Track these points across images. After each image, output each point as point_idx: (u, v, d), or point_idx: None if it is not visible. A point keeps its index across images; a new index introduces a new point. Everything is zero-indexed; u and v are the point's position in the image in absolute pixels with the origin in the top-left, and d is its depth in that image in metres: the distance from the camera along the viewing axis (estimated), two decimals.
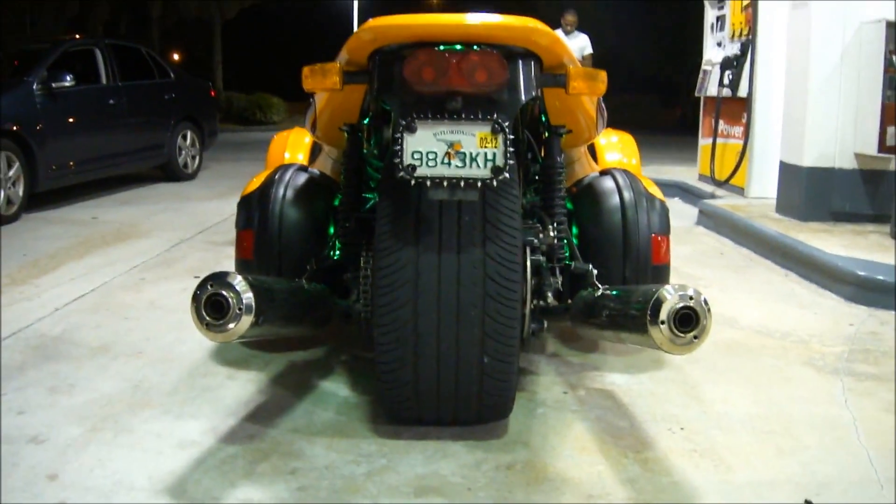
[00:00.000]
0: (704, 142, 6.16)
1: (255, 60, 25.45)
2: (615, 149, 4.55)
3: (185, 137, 7.45)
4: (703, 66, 5.99)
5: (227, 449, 1.88)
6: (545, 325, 2.13)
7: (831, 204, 4.33)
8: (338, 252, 2.22)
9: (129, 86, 6.59)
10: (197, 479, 1.74)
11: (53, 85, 5.53)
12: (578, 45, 7.76)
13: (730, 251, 4.31)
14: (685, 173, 6.68)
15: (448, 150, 1.61)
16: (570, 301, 2.15)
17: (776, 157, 4.80)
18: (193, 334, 2.67)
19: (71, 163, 5.76)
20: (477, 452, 1.86)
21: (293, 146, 4.40)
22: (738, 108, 5.49)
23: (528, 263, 1.97)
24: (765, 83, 5.18)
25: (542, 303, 2.07)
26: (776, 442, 1.92)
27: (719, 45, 5.80)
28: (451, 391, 1.80)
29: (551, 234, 2.10)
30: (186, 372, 2.38)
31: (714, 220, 4.91)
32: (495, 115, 1.62)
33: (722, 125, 5.77)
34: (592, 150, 4.57)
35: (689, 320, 1.54)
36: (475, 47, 1.63)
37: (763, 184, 5.25)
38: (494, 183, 1.62)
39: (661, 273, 2.35)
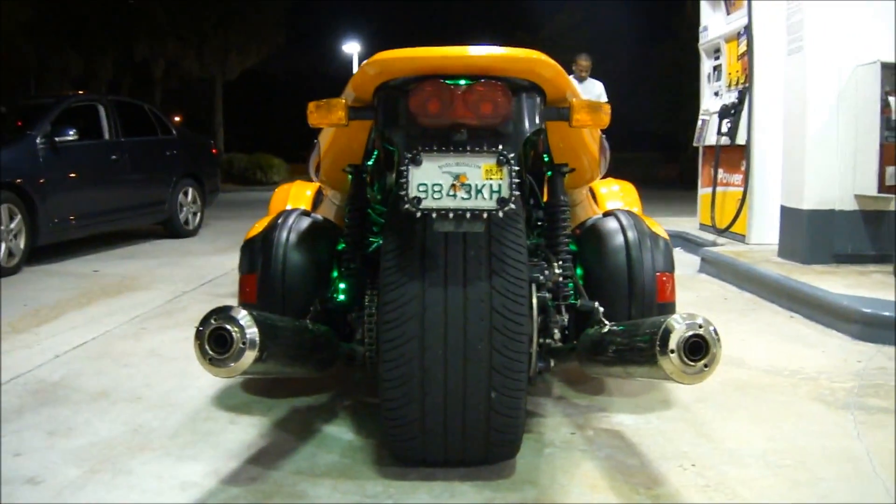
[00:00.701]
0: (704, 191, 6.20)
1: (256, 121, 25.88)
2: (617, 197, 4.58)
3: (186, 194, 7.51)
4: (701, 116, 6.08)
5: (229, 490, 1.84)
6: (552, 364, 2.10)
7: (833, 246, 4.33)
8: (342, 294, 2.21)
9: (132, 142, 6.67)
10: None
11: (56, 139, 5.60)
12: (594, 92, 7.19)
13: (733, 296, 4.29)
14: (686, 224, 6.70)
15: (453, 181, 1.62)
16: (575, 341, 2.13)
17: (776, 204, 4.83)
18: (195, 381, 2.67)
19: (73, 217, 5.79)
20: (485, 492, 1.81)
21: (295, 197, 4.42)
22: (736, 155, 5.54)
23: (535, 301, 1.96)
24: (763, 130, 5.24)
25: (548, 341, 2.05)
26: (790, 475, 1.87)
27: (716, 94, 5.90)
28: (459, 427, 1.76)
29: (556, 271, 2.09)
30: (188, 417, 2.33)
31: (716, 267, 4.91)
32: (500, 147, 1.64)
33: (721, 173, 5.82)
34: (594, 198, 4.61)
35: (699, 349, 1.52)
36: (480, 80, 1.65)
37: (764, 230, 5.27)
38: (500, 214, 1.62)
39: (667, 311, 2.33)
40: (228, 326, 1.55)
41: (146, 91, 18.99)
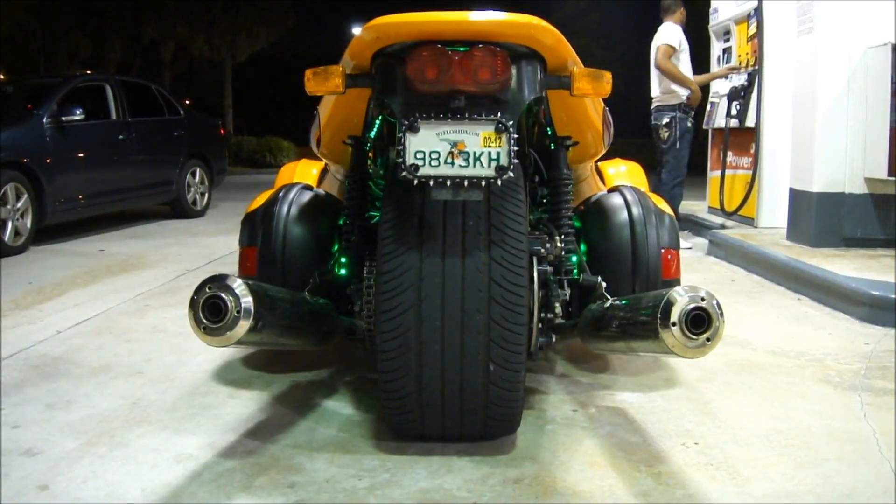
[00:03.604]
0: (713, 174, 6.15)
1: (265, 104, 25.84)
2: (624, 177, 4.53)
3: (193, 174, 7.50)
4: (711, 99, 6.00)
5: (224, 463, 1.82)
6: (553, 339, 2.08)
7: (842, 229, 4.28)
8: (341, 267, 2.19)
9: (139, 122, 6.65)
10: (192, 491, 1.68)
11: (63, 119, 5.58)
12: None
13: (741, 278, 4.25)
14: (694, 207, 6.65)
15: (451, 149, 1.59)
16: (578, 317, 2.10)
17: (785, 187, 4.77)
18: (196, 356, 2.66)
19: (79, 196, 5.79)
20: (483, 467, 1.80)
21: (301, 174, 4.40)
22: (746, 138, 5.48)
23: (536, 274, 1.93)
24: (772, 112, 5.17)
25: (549, 316, 2.02)
26: (795, 455, 1.84)
27: (726, 77, 5.82)
28: (457, 401, 1.74)
29: (559, 244, 2.06)
30: (187, 391, 2.33)
31: (724, 250, 4.86)
32: (499, 114, 1.60)
33: (730, 156, 5.75)
34: (601, 178, 4.57)
35: (701, 322, 1.49)
36: (479, 45, 1.61)
37: (773, 213, 5.21)
38: (499, 182, 1.59)
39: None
40: (223, 295, 1.53)
41: (155, 73, 18.97)
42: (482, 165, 1.59)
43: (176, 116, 7.33)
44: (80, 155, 5.83)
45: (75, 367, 2.54)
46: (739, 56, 5.59)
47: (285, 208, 2.38)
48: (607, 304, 1.93)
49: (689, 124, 5.32)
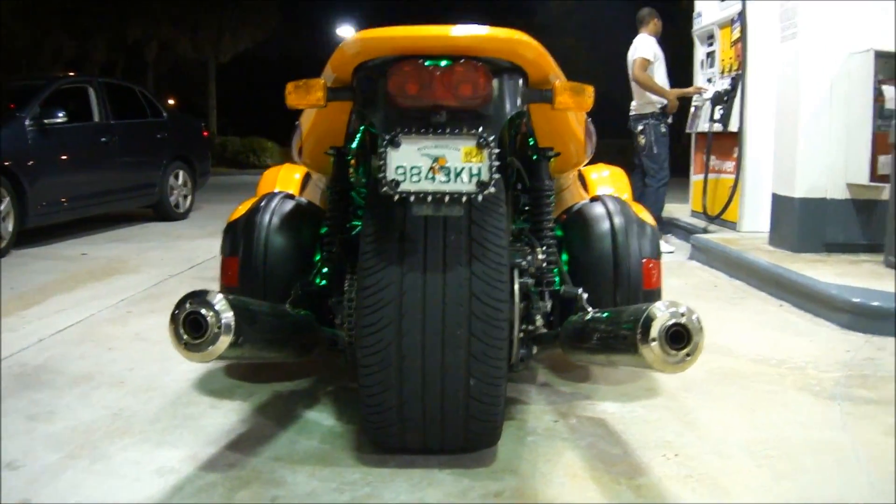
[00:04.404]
0: (696, 178, 6.18)
1: (249, 104, 25.71)
2: (606, 183, 4.55)
3: (177, 177, 7.46)
4: (694, 103, 6.04)
5: (206, 476, 1.82)
6: (534, 350, 2.09)
7: (824, 234, 4.32)
8: (323, 279, 2.19)
9: (122, 124, 6.61)
10: None
11: (46, 121, 5.54)
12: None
13: (723, 284, 4.28)
14: (677, 210, 6.69)
15: (432, 164, 1.59)
16: (559, 328, 2.11)
17: (768, 191, 4.81)
18: (178, 365, 2.64)
19: (62, 199, 5.74)
20: (464, 480, 1.80)
21: (283, 180, 4.39)
22: (729, 143, 5.51)
23: (517, 287, 1.93)
24: (756, 117, 5.21)
25: (530, 328, 2.03)
26: (774, 466, 1.86)
27: (710, 80, 5.85)
28: (437, 415, 1.74)
29: (540, 256, 2.07)
30: (169, 401, 2.31)
31: (707, 254, 4.90)
32: (480, 130, 1.60)
33: (713, 160, 5.79)
34: (584, 184, 4.59)
35: (680, 338, 1.50)
36: (461, 60, 1.61)
37: (755, 218, 5.25)
38: (479, 198, 1.59)
39: (652, 298, 2.31)
40: (203, 311, 1.52)
41: (139, 73, 18.83)
42: (463, 181, 1.59)
43: (159, 118, 7.29)
44: (63, 157, 5.78)
45: (57, 377, 2.52)
46: (723, 60, 5.63)
47: (267, 218, 2.37)
48: (588, 317, 1.93)
49: (664, 129, 5.51)
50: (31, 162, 5.36)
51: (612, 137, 8.99)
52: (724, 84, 5.53)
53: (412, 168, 1.59)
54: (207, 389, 2.41)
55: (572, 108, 1.78)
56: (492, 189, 1.58)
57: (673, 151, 5.60)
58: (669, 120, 5.57)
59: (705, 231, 5.58)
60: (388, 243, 1.68)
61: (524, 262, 1.97)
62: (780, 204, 4.52)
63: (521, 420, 2.18)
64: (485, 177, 1.59)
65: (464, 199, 1.59)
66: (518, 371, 2.15)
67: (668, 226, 6.29)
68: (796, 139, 4.33)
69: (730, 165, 5.54)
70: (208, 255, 5.29)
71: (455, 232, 1.67)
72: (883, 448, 1.95)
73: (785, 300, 3.71)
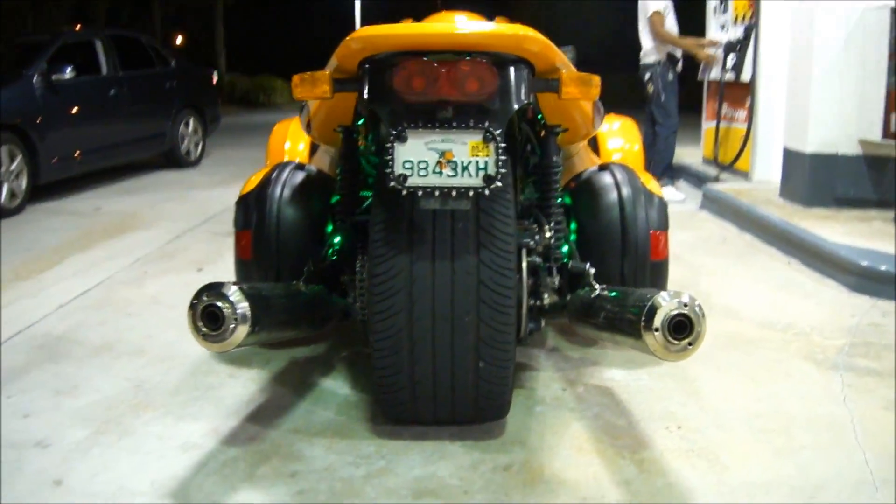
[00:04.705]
0: (708, 125, 6.12)
1: (257, 43, 25.33)
2: (617, 135, 4.53)
3: (187, 125, 7.46)
4: (706, 48, 5.92)
5: (228, 451, 1.90)
6: (543, 323, 2.14)
7: (835, 190, 4.29)
8: (335, 254, 2.23)
9: (130, 76, 6.59)
10: (199, 482, 1.76)
11: (53, 77, 5.54)
12: None
13: (733, 238, 4.30)
14: (689, 156, 6.64)
15: (439, 158, 1.61)
16: (568, 297, 2.15)
17: (780, 141, 4.76)
18: None
19: (73, 154, 5.78)
20: (474, 453, 1.88)
21: (294, 136, 4.39)
22: (741, 91, 5.44)
23: (525, 265, 1.97)
24: (768, 67, 5.12)
25: (538, 303, 2.07)
26: (773, 442, 1.92)
27: (722, 27, 5.73)
28: (448, 395, 1.81)
29: (547, 234, 2.10)
30: (188, 371, 2.39)
31: (718, 205, 4.89)
32: (487, 124, 1.61)
33: (726, 109, 5.72)
34: (594, 137, 4.57)
35: (683, 328, 1.54)
36: (466, 56, 1.61)
37: (767, 167, 5.21)
38: (486, 192, 1.62)
39: (659, 269, 2.34)
40: (219, 303, 1.58)
41: (146, 16, 18.51)
42: (470, 175, 1.61)
43: (167, 67, 7.24)
44: (73, 113, 5.79)
45: (78, 347, 2.60)
46: (736, 8, 5.49)
47: (278, 190, 2.40)
48: (594, 294, 1.97)
49: (671, 77, 5.48)
50: (41, 119, 5.37)
51: (621, 73, 8.86)
52: (737, 33, 5.42)
53: (419, 162, 1.61)
54: (225, 357, 2.48)
55: (578, 97, 1.78)
56: (498, 183, 1.60)
57: (679, 98, 5.57)
58: (679, 67, 5.51)
59: (716, 180, 5.56)
60: (398, 232, 1.71)
61: (532, 242, 2.00)
62: (792, 158, 4.49)
63: (531, 389, 2.25)
64: (491, 171, 1.61)
65: (471, 193, 1.62)
66: (526, 344, 2.21)
67: (678, 172, 6.27)
68: (809, 94, 4.26)
69: (742, 114, 5.48)
70: (220, 206, 5.34)
71: (463, 221, 1.70)
72: (881, 424, 2.00)
73: (794, 257, 3.73)
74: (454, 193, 1.61)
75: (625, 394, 2.22)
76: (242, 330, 1.60)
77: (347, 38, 1.69)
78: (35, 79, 5.44)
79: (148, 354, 2.54)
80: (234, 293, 1.59)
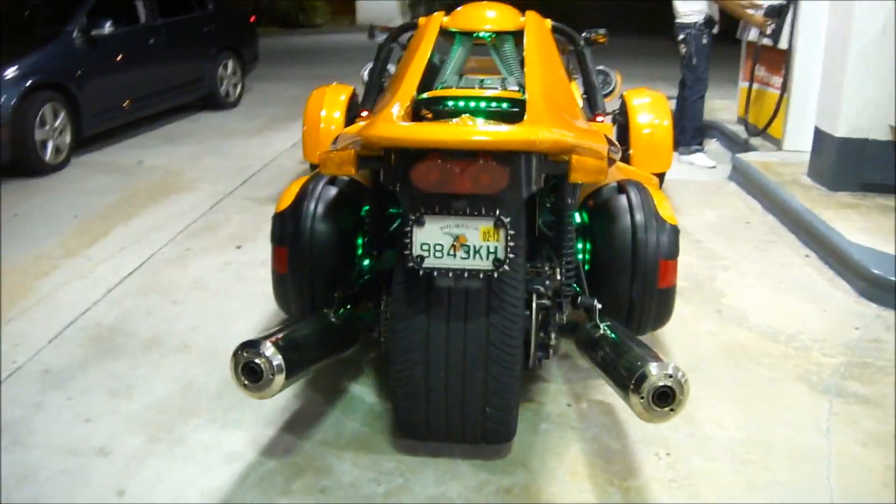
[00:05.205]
0: (743, 84, 6.05)
1: None
2: (647, 110, 4.57)
3: (226, 67, 7.53)
4: (747, 9, 5.77)
5: (266, 464, 2.16)
6: (552, 352, 2.31)
7: (863, 175, 4.30)
8: (360, 277, 2.41)
9: (169, 23, 6.64)
10: (241, 495, 2.03)
11: (93, 33, 5.62)
12: None
13: (756, 220, 4.34)
14: (724, 111, 6.60)
15: (454, 242, 1.77)
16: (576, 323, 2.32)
17: (813, 110, 4.74)
18: (235, 323, 2.97)
19: (114, 106, 5.93)
20: (482, 474, 2.11)
21: (330, 104, 4.53)
22: (778, 57, 5.35)
23: (535, 306, 2.13)
24: (807, 38, 5.03)
25: (546, 338, 2.24)
26: (751, 475, 2.11)
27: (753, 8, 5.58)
28: (458, 432, 2.05)
29: (558, 277, 2.25)
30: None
31: (745, 178, 4.93)
32: (497, 212, 1.77)
33: (763, 72, 5.64)
34: (625, 110, 4.63)
35: (666, 397, 1.72)
36: (480, 159, 1.74)
37: (800, 137, 5.17)
38: (496, 275, 1.78)
39: (666, 296, 2.46)
40: (257, 360, 1.80)
41: None
42: (481, 258, 1.77)
43: (204, 11, 7.27)
44: (113, 65, 5.90)
45: (129, 340, 2.87)
46: None
47: (312, 206, 2.55)
48: (598, 334, 2.14)
49: (706, 41, 5.37)
50: (81, 74, 5.48)
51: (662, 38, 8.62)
52: None
53: (435, 245, 1.77)
54: None
55: (586, 181, 1.90)
56: (506, 267, 1.76)
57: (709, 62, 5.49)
58: (716, 30, 5.40)
59: (746, 144, 5.56)
60: (417, 296, 1.89)
61: (542, 288, 2.15)
62: (822, 139, 4.48)
63: (539, 403, 2.46)
64: (501, 255, 1.77)
65: (481, 275, 1.78)
66: (537, 370, 2.40)
67: (711, 130, 6.25)
68: (843, 76, 4.21)
69: (777, 80, 5.41)
70: (259, 162, 5.53)
71: (475, 292, 1.87)
72: (856, 461, 2.18)
73: (812, 249, 3.80)
74: (466, 275, 1.78)
75: (623, 412, 2.40)
76: (279, 380, 1.83)
77: (369, 129, 1.82)
78: (75, 34, 5.53)
79: (193, 351, 2.80)
80: (268, 349, 1.81)
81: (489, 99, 2.31)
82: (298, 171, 4.86)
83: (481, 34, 3.02)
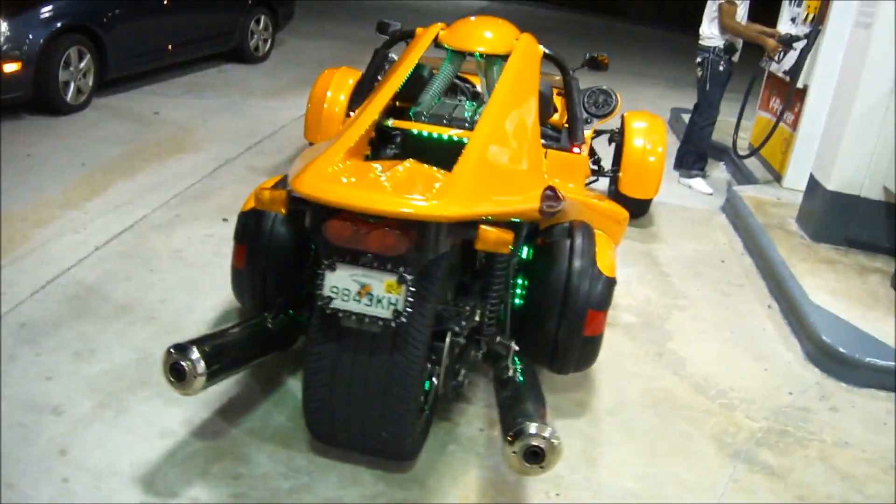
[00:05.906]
0: (761, 114, 6.05)
1: None
2: (643, 134, 4.67)
3: (258, 22, 7.66)
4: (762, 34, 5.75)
5: (194, 444, 2.36)
6: (465, 381, 2.46)
7: (849, 230, 4.34)
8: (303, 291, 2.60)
9: None
10: (165, 472, 2.24)
11: None
12: None
13: (733, 260, 4.38)
14: (741, 139, 6.58)
15: (360, 289, 1.96)
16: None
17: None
18: (205, 300, 3.17)
19: (141, 52, 6.10)
20: (380, 485, 2.28)
21: (336, 87, 4.68)
22: (787, 89, 5.35)
23: (448, 342, 2.27)
24: (824, 78, 5.02)
25: (457, 377, 2.40)
26: None
27: (793, 20, 5.54)
28: (360, 445, 2.27)
29: (477, 318, 2.40)
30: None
31: (734, 213, 4.98)
32: (401, 269, 1.96)
33: (777, 104, 5.64)
34: (624, 129, 4.71)
35: (536, 456, 1.89)
36: (386, 226, 1.93)
37: (800, 178, 5.17)
38: (393, 324, 1.96)
39: (591, 343, 2.59)
40: (183, 362, 2.01)
41: None
42: (382, 307, 1.97)
43: None
44: (142, 12, 6.01)
45: (103, 304, 3.08)
46: (808, 5, 5.29)
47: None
48: (507, 375, 2.31)
49: (722, 68, 5.36)
50: (109, 16, 5.58)
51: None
52: (802, 31, 5.25)
53: (343, 289, 1.97)
54: None
55: (491, 249, 2.04)
56: (404, 319, 1.94)
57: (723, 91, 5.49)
58: (735, 58, 5.37)
59: (743, 173, 5.58)
60: (328, 325, 2.09)
61: (457, 328, 2.30)
62: (815, 188, 4.52)
63: (454, 423, 2.60)
64: (400, 307, 1.96)
65: (380, 322, 1.95)
66: (452, 398, 2.58)
67: (720, 153, 6.26)
68: (844, 130, 4.24)
69: (790, 117, 5.41)
70: (270, 127, 5.69)
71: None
72: None
73: (776, 301, 3.86)
74: (367, 319, 1.96)
75: None
76: (201, 381, 2.07)
77: (298, 179, 1.99)
78: None
79: (158, 322, 3.00)
80: (194, 354, 2.03)
81: (439, 143, 2.46)
82: (302, 145, 5.00)
83: (473, 54, 3.11)
